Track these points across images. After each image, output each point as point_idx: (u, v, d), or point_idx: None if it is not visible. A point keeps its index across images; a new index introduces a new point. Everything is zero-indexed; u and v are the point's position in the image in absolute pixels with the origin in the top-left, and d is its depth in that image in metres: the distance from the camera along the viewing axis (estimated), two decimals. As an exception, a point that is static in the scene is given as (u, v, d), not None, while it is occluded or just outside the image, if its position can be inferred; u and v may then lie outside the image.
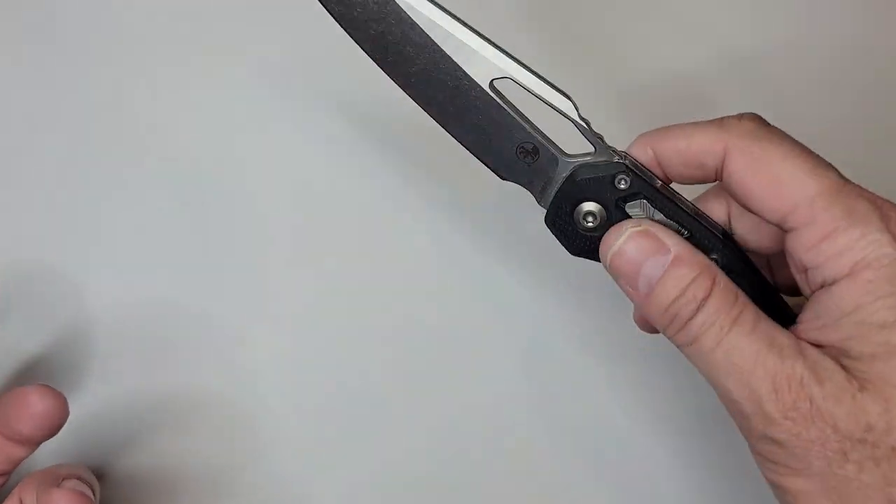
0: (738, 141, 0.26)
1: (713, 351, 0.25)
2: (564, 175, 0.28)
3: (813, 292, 0.26)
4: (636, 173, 0.27)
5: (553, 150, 0.28)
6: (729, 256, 0.27)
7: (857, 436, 0.23)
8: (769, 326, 0.25)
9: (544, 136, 0.28)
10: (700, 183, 0.28)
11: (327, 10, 0.28)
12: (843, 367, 0.24)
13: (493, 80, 0.28)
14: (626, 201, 0.27)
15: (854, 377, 0.24)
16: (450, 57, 0.28)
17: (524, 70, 0.28)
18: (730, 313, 0.25)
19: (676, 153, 0.27)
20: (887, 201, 0.25)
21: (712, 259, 0.27)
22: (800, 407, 0.24)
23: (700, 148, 0.27)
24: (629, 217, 0.27)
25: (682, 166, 0.27)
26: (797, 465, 0.24)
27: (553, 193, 0.28)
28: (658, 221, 0.27)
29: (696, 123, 0.27)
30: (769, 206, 0.26)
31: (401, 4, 0.28)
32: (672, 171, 0.28)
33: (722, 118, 0.27)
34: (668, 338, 0.27)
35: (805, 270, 0.26)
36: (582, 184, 0.28)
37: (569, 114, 0.28)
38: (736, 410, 0.26)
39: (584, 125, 0.28)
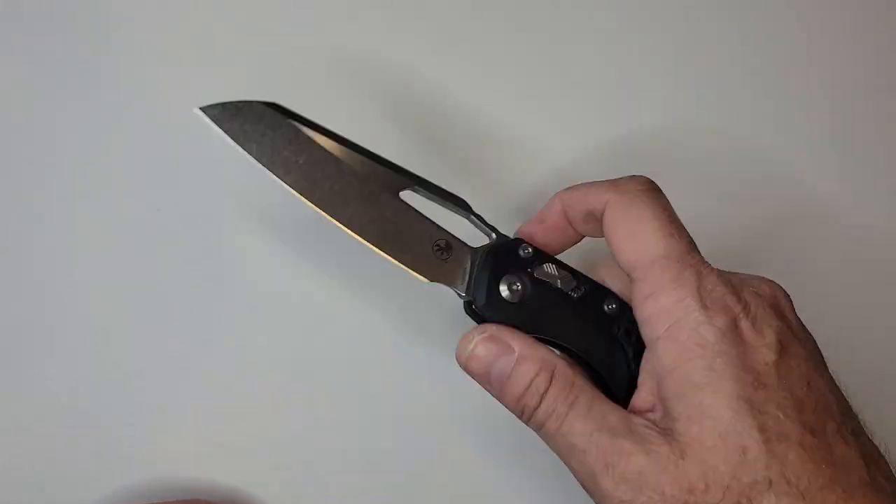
0: (618, 197, 0.31)
1: (555, 434, 0.29)
2: (478, 261, 0.31)
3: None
4: (535, 247, 0.32)
5: (463, 244, 0.32)
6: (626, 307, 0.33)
7: (682, 498, 0.27)
8: (602, 407, 0.29)
9: (452, 234, 0.32)
10: (600, 236, 0.33)
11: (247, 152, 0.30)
12: (667, 434, 0.28)
13: (398, 191, 0.31)
14: (534, 267, 0.32)
15: (676, 442, 0.27)
16: (357, 173, 0.30)
17: (424, 181, 0.32)
18: (566, 400, 0.29)
19: (576, 205, 0.33)
20: (715, 274, 0.29)
21: (610, 309, 0.32)
22: (629, 479, 0.27)
23: (593, 201, 0.32)
24: (541, 281, 0.32)
25: (580, 218, 0.33)
26: None
27: (474, 277, 0.31)
28: (564, 273, 0.32)
29: (595, 182, 0.32)
30: (622, 258, 0.30)
31: (308, 135, 0.30)
32: (575, 223, 0.33)
33: (618, 179, 0.32)
34: (525, 423, 0.30)
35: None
36: (496, 260, 0.31)
37: (465, 213, 0.32)
38: (582, 486, 0.29)
39: (479, 220, 0.32)
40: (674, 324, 0.28)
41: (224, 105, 0.29)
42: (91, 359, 0.38)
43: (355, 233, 0.30)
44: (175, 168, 0.40)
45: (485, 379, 0.30)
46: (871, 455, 0.28)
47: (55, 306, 0.38)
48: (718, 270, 0.30)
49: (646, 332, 0.29)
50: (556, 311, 0.32)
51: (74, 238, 0.39)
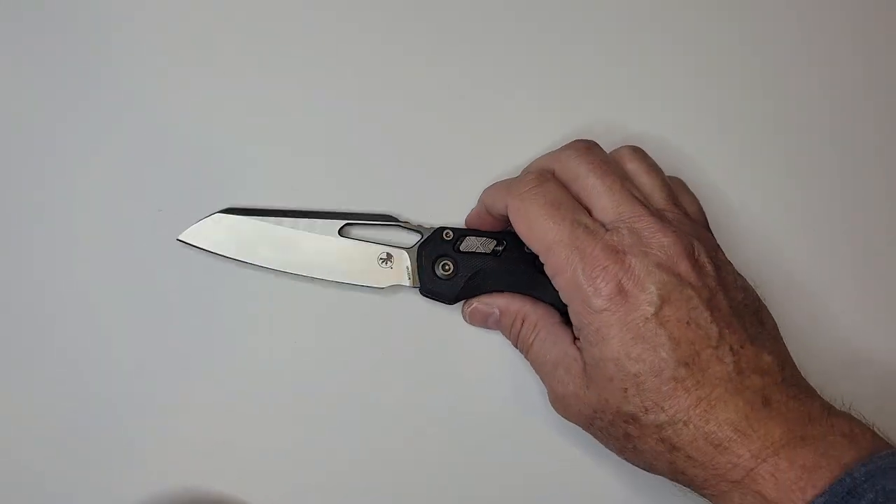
0: (512, 202, 0.38)
1: (527, 359, 0.40)
2: (414, 255, 0.41)
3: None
4: (455, 227, 0.41)
5: (400, 249, 0.41)
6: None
7: (591, 415, 0.37)
8: (554, 340, 0.38)
9: (390, 245, 0.42)
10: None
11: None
12: (583, 368, 0.36)
13: (339, 229, 0.41)
14: (457, 244, 0.41)
15: (586, 376, 0.36)
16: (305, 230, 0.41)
17: (352, 215, 0.42)
18: (530, 336, 0.40)
19: (491, 207, 0.40)
20: (600, 246, 0.35)
21: (529, 249, 0.41)
22: (561, 398, 0.38)
23: (499, 206, 0.39)
24: (467, 253, 0.41)
25: (498, 215, 0.40)
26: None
27: (415, 270, 0.41)
28: (484, 240, 0.41)
29: (499, 185, 0.40)
30: (530, 246, 0.38)
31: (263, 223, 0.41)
32: (497, 219, 0.41)
33: (513, 179, 0.39)
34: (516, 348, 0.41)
35: None
36: (427, 250, 0.41)
37: (395, 223, 0.42)
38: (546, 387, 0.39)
39: (406, 225, 0.42)
40: (570, 297, 0.36)
41: (196, 227, 0.41)
42: (91, 359, 0.41)
43: (316, 277, 0.41)
44: (175, 168, 0.42)
45: (486, 327, 0.42)
46: (749, 363, 0.34)
47: (55, 306, 0.41)
48: (607, 240, 0.35)
49: (561, 298, 0.37)
50: (485, 270, 0.41)
51: (75, 238, 0.41)
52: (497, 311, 0.41)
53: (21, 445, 0.40)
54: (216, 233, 0.41)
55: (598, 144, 0.39)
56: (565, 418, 0.38)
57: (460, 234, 0.41)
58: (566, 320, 0.39)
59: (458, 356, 0.42)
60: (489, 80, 0.44)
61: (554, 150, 0.40)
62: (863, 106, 0.46)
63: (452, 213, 0.43)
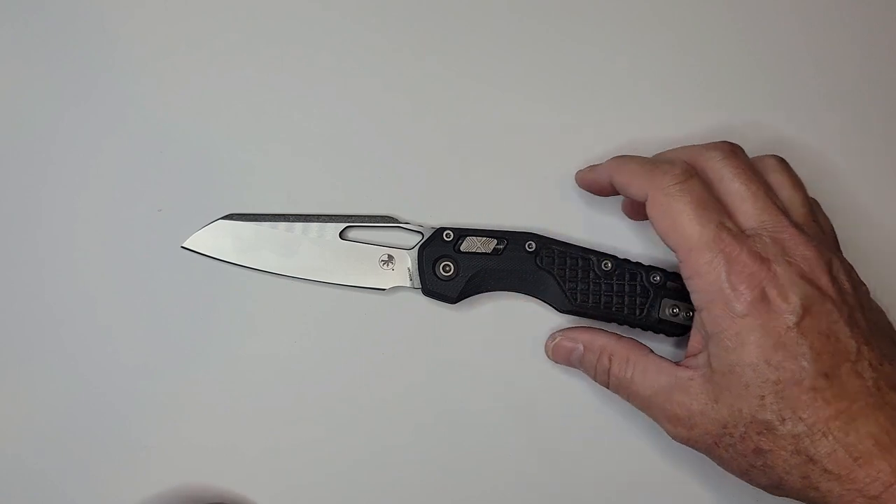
0: (655, 194, 0.37)
1: (628, 397, 0.39)
2: (415, 256, 0.41)
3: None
4: (455, 227, 0.41)
5: (401, 250, 0.42)
6: (542, 239, 0.41)
7: (719, 432, 0.35)
8: (656, 369, 0.38)
9: (391, 247, 0.42)
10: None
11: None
12: (707, 381, 0.36)
13: (340, 232, 0.42)
14: (458, 245, 0.41)
15: (713, 390, 0.35)
16: (304, 234, 0.42)
17: (355, 218, 0.42)
18: (626, 372, 0.39)
19: (621, 186, 0.39)
20: (745, 251, 0.35)
21: (530, 247, 0.41)
22: (683, 421, 0.36)
23: (635, 192, 0.38)
24: (467, 253, 0.41)
25: (622, 193, 0.40)
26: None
27: (416, 271, 0.41)
28: (484, 239, 0.41)
29: (638, 168, 0.38)
30: (667, 244, 0.37)
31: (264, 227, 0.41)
32: (618, 191, 0.40)
33: (655, 169, 0.37)
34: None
35: None
36: (427, 251, 0.41)
37: (395, 224, 0.42)
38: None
39: (407, 225, 0.42)
40: (710, 300, 0.35)
41: (200, 234, 0.41)
42: (91, 358, 0.41)
43: (318, 280, 0.41)
44: (175, 168, 0.42)
45: (567, 365, 0.42)
46: (888, 381, 0.34)
47: (55, 306, 0.41)
48: (751, 245, 0.35)
49: (693, 301, 0.37)
50: (486, 270, 0.41)
51: (75, 238, 0.42)
52: (581, 347, 0.41)
53: (23, 445, 0.41)
54: (219, 239, 0.41)
55: (742, 149, 0.39)
56: (687, 443, 0.37)
57: (460, 234, 0.41)
58: (650, 350, 0.39)
59: (460, 356, 0.43)
60: (491, 79, 0.44)
61: (693, 145, 0.39)
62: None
63: (453, 212, 0.43)
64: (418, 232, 0.42)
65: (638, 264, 0.41)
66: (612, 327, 0.42)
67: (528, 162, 0.44)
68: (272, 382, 0.42)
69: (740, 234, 0.35)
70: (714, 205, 0.36)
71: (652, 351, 0.39)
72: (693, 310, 0.40)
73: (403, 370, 0.43)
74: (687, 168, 0.37)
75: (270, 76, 0.43)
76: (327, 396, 0.42)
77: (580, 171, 0.42)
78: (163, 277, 0.42)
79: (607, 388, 0.40)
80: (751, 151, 0.39)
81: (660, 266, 0.41)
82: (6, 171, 0.42)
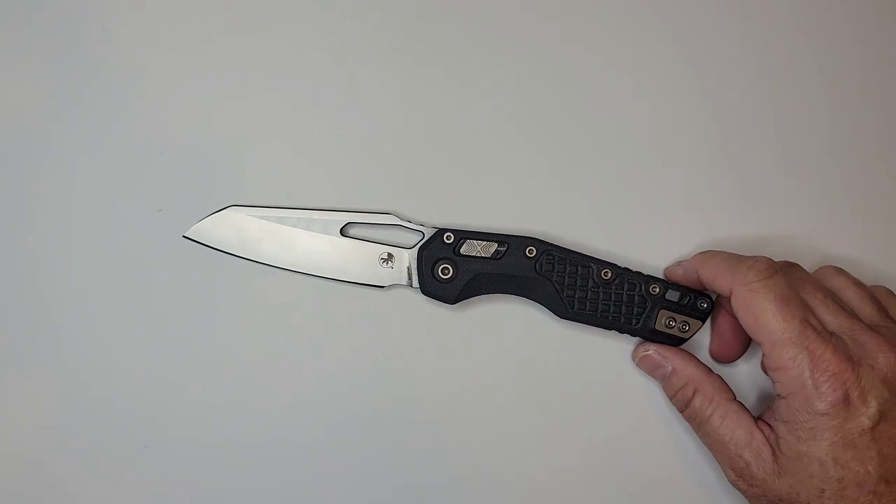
0: (740, 290, 0.38)
1: (698, 432, 0.40)
2: (414, 256, 0.41)
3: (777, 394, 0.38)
4: (456, 230, 0.41)
5: (402, 249, 0.42)
6: (543, 245, 0.41)
7: (774, 500, 0.37)
8: (735, 420, 0.38)
9: (391, 245, 0.42)
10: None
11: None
12: (775, 454, 0.37)
13: (341, 228, 0.42)
14: (458, 247, 0.41)
15: (779, 463, 0.37)
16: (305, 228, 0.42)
17: (357, 214, 0.42)
18: (706, 410, 0.39)
19: (708, 281, 0.40)
20: (830, 350, 0.36)
21: (530, 253, 0.41)
22: (745, 476, 0.38)
23: (721, 286, 0.39)
24: (467, 256, 0.41)
25: (710, 287, 0.40)
26: None
27: (415, 271, 0.41)
28: (484, 244, 0.41)
29: (722, 263, 0.39)
30: (753, 336, 0.38)
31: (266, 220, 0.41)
32: (707, 286, 0.40)
33: (740, 264, 0.38)
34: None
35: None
36: (427, 253, 0.41)
37: (397, 223, 0.42)
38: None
39: (409, 225, 0.42)
40: (791, 393, 0.36)
41: (202, 224, 0.41)
42: (91, 358, 0.41)
43: (318, 275, 0.41)
44: (175, 168, 0.42)
45: (651, 375, 0.42)
46: None
47: (55, 306, 0.41)
48: (836, 345, 0.36)
49: (775, 388, 0.38)
50: (485, 273, 0.41)
51: (75, 238, 0.42)
52: (670, 368, 0.41)
53: (23, 444, 0.42)
54: (221, 230, 0.41)
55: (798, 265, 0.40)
56: (742, 493, 0.39)
57: (461, 236, 0.41)
58: (734, 395, 0.40)
59: (458, 354, 0.43)
60: (495, 79, 0.43)
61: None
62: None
63: (455, 213, 0.43)
64: (419, 231, 0.42)
65: (638, 274, 0.41)
66: (615, 336, 0.42)
67: (533, 165, 0.43)
68: (269, 377, 0.42)
69: (825, 332, 0.36)
70: (798, 300, 0.37)
71: (735, 397, 0.40)
72: (689, 322, 0.41)
73: (399, 368, 0.43)
74: (770, 264, 0.38)
75: (271, 76, 0.43)
76: (325, 392, 0.43)
77: (668, 267, 0.43)
78: (163, 277, 0.42)
79: (681, 413, 0.41)
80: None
81: (659, 277, 0.41)
82: (5, 171, 0.42)
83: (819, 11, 0.44)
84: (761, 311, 0.37)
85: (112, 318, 0.42)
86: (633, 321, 0.41)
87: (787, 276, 0.38)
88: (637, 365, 0.42)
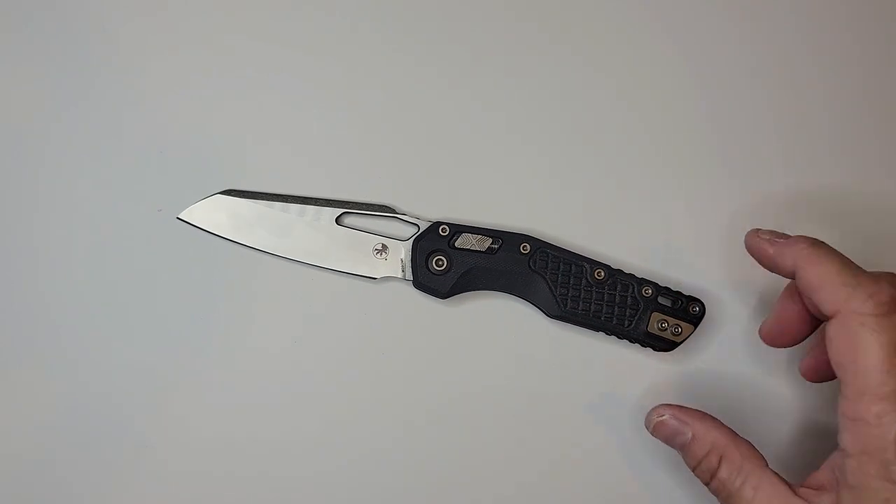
0: (847, 318, 0.32)
1: (732, 501, 0.34)
2: (409, 248, 0.41)
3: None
4: (451, 223, 0.41)
5: (395, 241, 0.42)
6: (537, 243, 0.41)
7: None
8: (769, 490, 0.34)
9: (386, 236, 0.42)
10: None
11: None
12: None
13: (336, 217, 0.42)
14: (453, 240, 0.41)
15: None
16: (301, 216, 0.41)
17: (352, 205, 0.42)
18: (735, 482, 0.34)
19: (808, 296, 0.34)
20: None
21: (524, 249, 0.41)
22: None
23: (825, 305, 0.33)
24: (461, 250, 0.41)
25: (810, 306, 0.35)
26: None
27: (409, 262, 0.41)
28: (479, 238, 0.41)
29: (839, 273, 0.33)
30: (838, 372, 0.32)
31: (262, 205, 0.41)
32: (807, 304, 0.36)
33: (857, 282, 0.32)
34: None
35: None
36: (422, 244, 0.41)
37: (393, 214, 0.42)
38: None
39: (405, 217, 0.42)
40: (866, 453, 0.31)
41: (197, 206, 0.41)
42: (90, 358, 0.41)
43: (311, 263, 0.41)
44: (175, 168, 0.42)
45: (668, 444, 0.37)
46: None
47: (54, 306, 0.41)
48: None
49: (843, 439, 0.32)
50: (478, 268, 0.41)
51: (75, 238, 0.41)
52: (690, 434, 0.36)
53: (22, 443, 0.41)
54: (215, 213, 0.41)
55: None
56: None
57: (456, 230, 0.41)
58: (766, 462, 0.35)
59: (448, 348, 0.43)
60: (494, 77, 0.44)
61: None
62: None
63: (451, 205, 0.43)
64: (415, 224, 0.42)
65: (631, 276, 0.41)
66: (606, 338, 0.42)
67: (531, 164, 0.43)
68: (263, 375, 0.42)
69: None
70: None
71: (767, 464, 0.35)
72: (681, 325, 0.41)
73: (391, 360, 0.42)
74: (894, 298, 0.32)
75: (271, 75, 0.43)
76: (315, 383, 0.42)
77: (756, 233, 0.37)
78: (162, 277, 0.42)
79: (707, 487, 0.36)
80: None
81: (653, 280, 0.41)
82: (5, 170, 0.42)
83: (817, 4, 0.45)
84: (864, 350, 0.31)
85: (112, 318, 0.42)
86: (626, 322, 0.41)
87: None
88: (652, 434, 0.38)
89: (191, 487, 0.42)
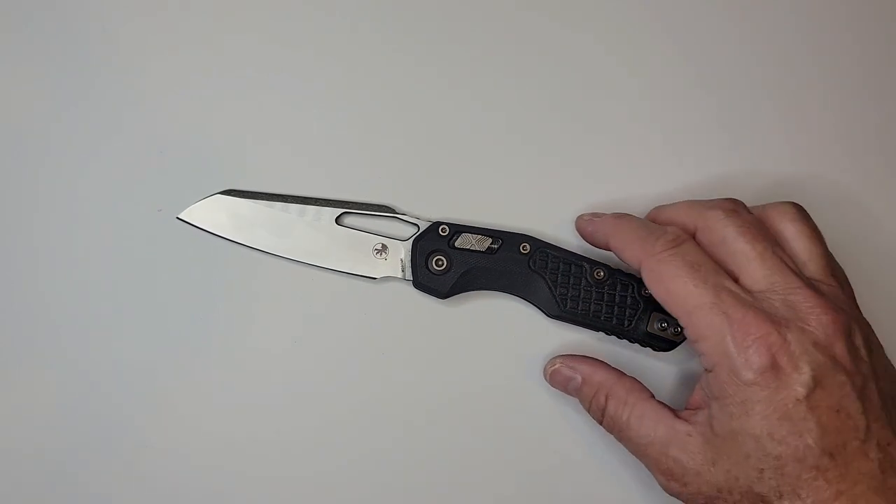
0: (648, 261, 0.36)
1: (621, 439, 0.37)
2: (409, 248, 0.41)
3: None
4: (451, 223, 0.41)
5: (395, 241, 0.42)
6: (537, 243, 0.41)
7: (713, 495, 0.34)
8: (654, 417, 0.36)
9: (385, 236, 0.42)
10: None
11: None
12: (706, 441, 0.34)
13: (336, 217, 0.42)
14: (453, 240, 0.41)
15: (711, 451, 0.34)
16: (301, 216, 0.41)
17: (352, 205, 0.42)
18: (622, 414, 0.37)
19: (616, 249, 0.38)
20: (752, 313, 0.33)
21: (524, 249, 0.41)
22: (677, 476, 0.35)
23: (629, 258, 0.37)
24: (461, 249, 0.41)
25: (621, 259, 0.38)
26: None
27: (409, 262, 0.41)
28: (479, 237, 0.41)
29: (632, 235, 0.37)
30: (669, 310, 0.36)
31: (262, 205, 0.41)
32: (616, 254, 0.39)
33: (648, 236, 0.36)
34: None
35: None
36: (422, 244, 0.41)
37: (393, 214, 0.42)
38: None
39: (405, 217, 0.42)
40: (715, 363, 0.34)
41: (197, 206, 0.41)
42: (89, 358, 0.41)
43: (311, 263, 0.41)
44: (175, 168, 0.42)
45: (566, 392, 0.41)
46: (894, 462, 0.32)
47: (54, 306, 0.41)
48: (759, 308, 0.33)
49: (701, 363, 0.35)
50: (478, 268, 0.41)
51: (75, 238, 0.42)
52: (579, 378, 0.39)
53: (21, 442, 0.41)
54: (215, 213, 0.41)
55: (744, 205, 0.37)
56: (678, 498, 0.36)
57: (456, 229, 0.41)
58: (652, 394, 0.38)
59: (448, 348, 0.43)
60: (494, 77, 0.44)
61: (693, 203, 0.38)
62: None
63: (451, 205, 0.43)
64: (415, 224, 0.42)
65: (631, 276, 0.41)
66: (606, 337, 0.42)
67: (531, 163, 0.43)
68: (263, 375, 0.42)
69: (745, 296, 0.34)
70: (711, 266, 0.35)
71: (653, 396, 0.37)
72: (681, 326, 0.41)
73: (391, 360, 0.42)
74: (679, 233, 0.36)
75: (271, 75, 0.43)
76: (314, 382, 0.42)
77: (581, 217, 0.41)
78: (162, 277, 0.42)
79: (601, 425, 0.38)
80: (754, 199, 0.39)
81: None
82: (5, 170, 0.42)
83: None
84: (670, 279, 0.35)
85: (112, 318, 0.42)
86: (626, 323, 0.41)
87: (699, 242, 0.36)
88: (550, 384, 0.41)
89: (191, 487, 0.42)
